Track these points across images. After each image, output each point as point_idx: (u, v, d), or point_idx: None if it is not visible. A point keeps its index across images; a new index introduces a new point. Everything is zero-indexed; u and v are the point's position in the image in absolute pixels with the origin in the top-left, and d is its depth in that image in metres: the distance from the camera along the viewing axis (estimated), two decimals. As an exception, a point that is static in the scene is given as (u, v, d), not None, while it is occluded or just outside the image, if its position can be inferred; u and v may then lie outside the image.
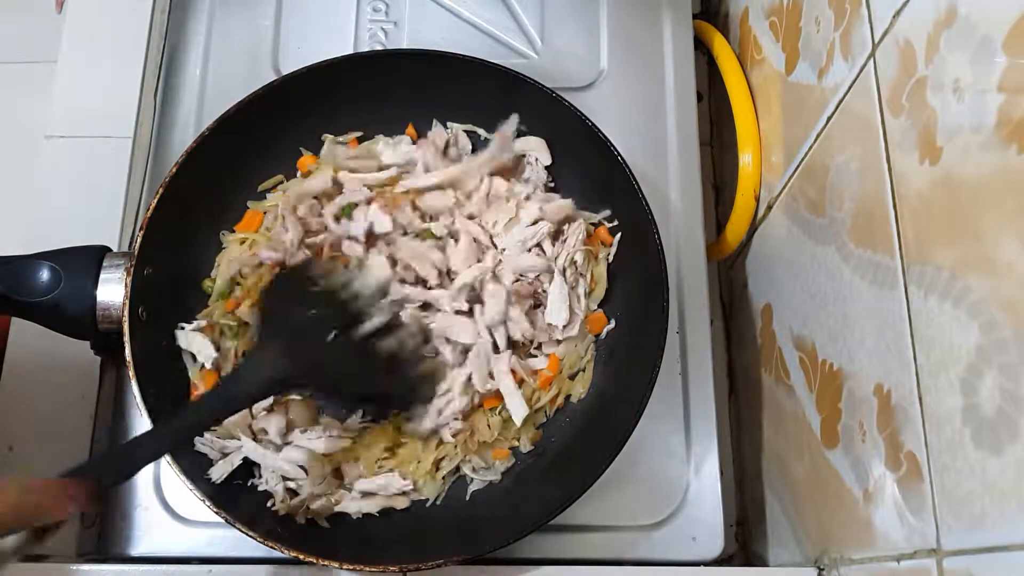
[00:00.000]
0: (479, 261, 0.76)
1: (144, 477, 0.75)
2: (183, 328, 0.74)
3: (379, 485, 0.72)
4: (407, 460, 0.74)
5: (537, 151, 0.81)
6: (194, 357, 0.74)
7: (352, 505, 0.71)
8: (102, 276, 0.69)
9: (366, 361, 0.70)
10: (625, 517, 0.75)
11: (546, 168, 0.82)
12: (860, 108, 0.63)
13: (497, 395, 0.74)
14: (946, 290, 0.51)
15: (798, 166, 0.76)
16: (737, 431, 0.95)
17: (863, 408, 0.62)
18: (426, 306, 0.76)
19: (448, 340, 0.75)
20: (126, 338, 0.68)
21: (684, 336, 0.81)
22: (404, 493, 0.73)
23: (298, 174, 0.82)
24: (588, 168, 0.79)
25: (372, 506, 0.72)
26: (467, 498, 0.74)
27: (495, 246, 0.78)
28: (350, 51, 0.89)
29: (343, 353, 0.68)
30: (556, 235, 0.78)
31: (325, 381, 0.69)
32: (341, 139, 0.82)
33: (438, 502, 0.74)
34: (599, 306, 0.79)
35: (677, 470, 0.77)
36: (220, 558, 0.71)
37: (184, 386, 0.74)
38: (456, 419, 0.73)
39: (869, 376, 0.62)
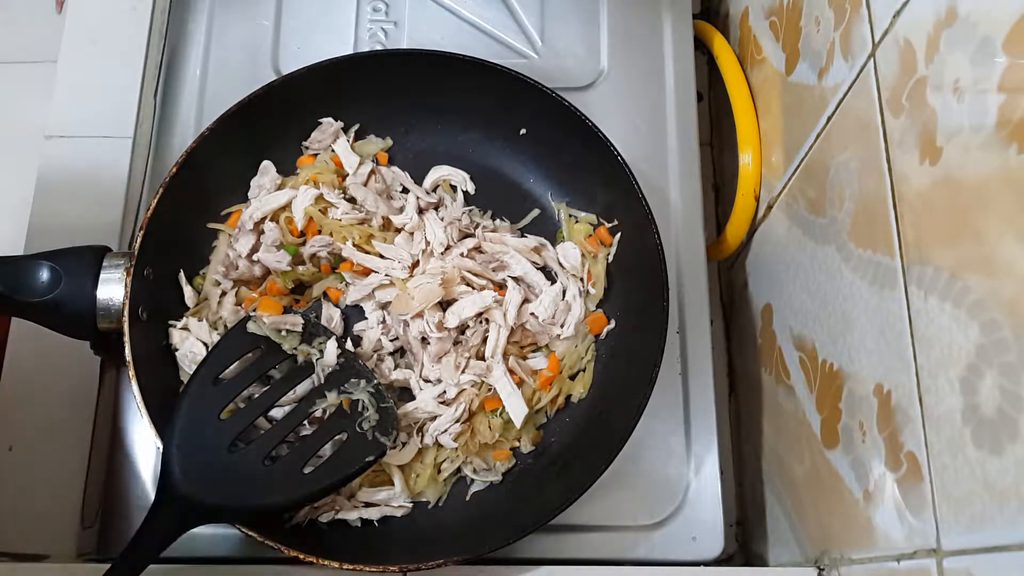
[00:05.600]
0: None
1: (144, 477, 0.75)
2: (173, 326, 0.74)
3: (380, 498, 0.72)
4: (408, 475, 0.73)
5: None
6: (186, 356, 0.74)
7: (353, 513, 0.71)
8: (102, 276, 0.69)
9: (296, 454, 0.67)
10: (625, 517, 0.75)
11: (545, 171, 0.83)
12: (860, 108, 0.63)
13: (497, 396, 0.74)
14: (946, 290, 0.51)
15: (798, 166, 0.76)
16: (737, 431, 0.95)
17: (863, 408, 0.62)
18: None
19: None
20: (126, 338, 0.68)
21: (684, 336, 0.81)
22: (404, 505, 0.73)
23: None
24: (588, 168, 0.79)
25: (373, 514, 0.72)
26: (467, 498, 0.74)
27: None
28: (350, 51, 0.89)
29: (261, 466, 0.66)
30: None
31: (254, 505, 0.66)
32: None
33: (440, 504, 0.74)
34: (599, 306, 0.79)
35: (677, 470, 0.77)
36: (220, 558, 0.71)
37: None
38: (457, 422, 0.74)
39: (869, 376, 0.62)
